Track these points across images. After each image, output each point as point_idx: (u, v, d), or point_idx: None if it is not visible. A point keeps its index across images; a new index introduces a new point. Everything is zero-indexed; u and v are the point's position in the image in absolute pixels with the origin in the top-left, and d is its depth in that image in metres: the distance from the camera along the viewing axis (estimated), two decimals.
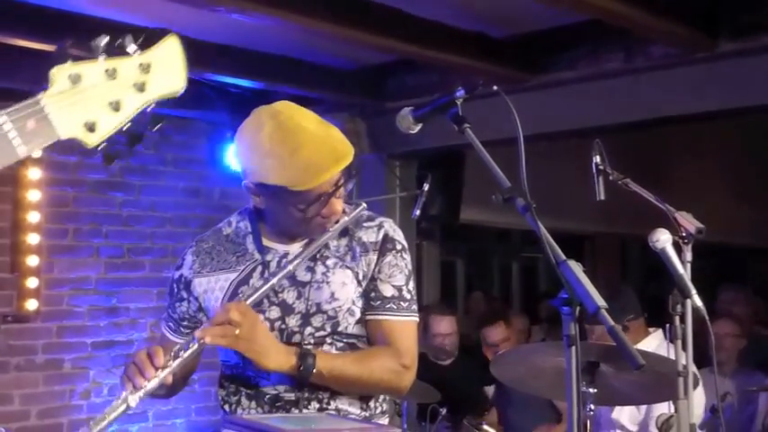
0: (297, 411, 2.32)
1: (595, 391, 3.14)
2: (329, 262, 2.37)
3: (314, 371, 2.24)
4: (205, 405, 5.88)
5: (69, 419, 5.40)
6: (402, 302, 2.38)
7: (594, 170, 3.12)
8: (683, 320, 2.63)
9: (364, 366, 2.32)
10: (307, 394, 2.33)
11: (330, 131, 2.28)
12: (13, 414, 5.19)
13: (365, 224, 2.42)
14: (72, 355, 5.50)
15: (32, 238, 5.23)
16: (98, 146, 1.36)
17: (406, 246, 2.43)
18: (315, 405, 2.33)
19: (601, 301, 1.85)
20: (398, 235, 2.43)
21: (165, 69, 1.39)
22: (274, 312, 2.35)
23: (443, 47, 4.82)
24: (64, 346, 5.47)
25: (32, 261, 5.24)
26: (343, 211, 2.36)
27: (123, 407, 2.09)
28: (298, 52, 5.27)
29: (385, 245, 2.38)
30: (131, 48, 1.38)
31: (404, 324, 2.39)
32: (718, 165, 8.71)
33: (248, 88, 5.55)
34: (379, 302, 2.37)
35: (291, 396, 2.33)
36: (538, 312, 8.99)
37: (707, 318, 2.61)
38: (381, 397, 2.46)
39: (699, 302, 2.63)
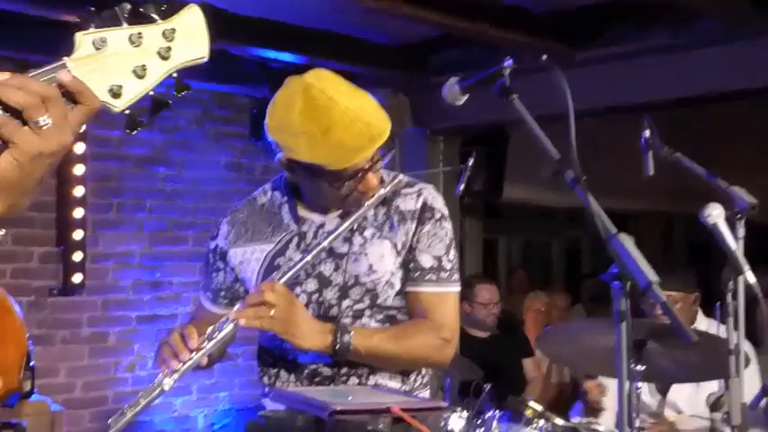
0: (335, 386, 2.30)
1: (643, 368, 3.10)
2: (367, 233, 2.32)
3: (351, 349, 2.21)
4: (248, 379, 5.91)
5: (114, 392, 5.46)
6: (442, 273, 2.33)
7: (644, 145, 3.05)
8: (734, 297, 2.58)
9: (402, 342, 2.28)
10: (345, 369, 2.30)
11: (364, 104, 2.20)
12: (60, 386, 5.25)
13: (404, 191, 2.35)
14: (117, 329, 5.54)
15: (78, 213, 5.27)
16: (123, 111, 1.35)
17: (446, 213, 2.37)
18: (354, 380, 2.31)
19: (653, 276, 1.81)
20: (438, 202, 2.37)
21: (188, 37, 1.37)
22: (311, 285, 2.32)
23: (487, 22, 4.76)
24: (109, 319, 5.52)
25: (78, 235, 5.28)
26: (381, 180, 2.30)
27: (158, 390, 2.07)
28: (340, 26, 5.24)
29: (424, 213, 2.33)
30: (154, 15, 1.37)
31: (444, 295, 2.34)
32: None
33: (290, 63, 5.53)
34: (418, 273, 2.32)
35: (330, 371, 2.31)
36: (579, 292, 8.94)
37: (760, 295, 2.55)
38: (423, 371, 2.43)
39: (752, 279, 2.57)
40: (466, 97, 2.31)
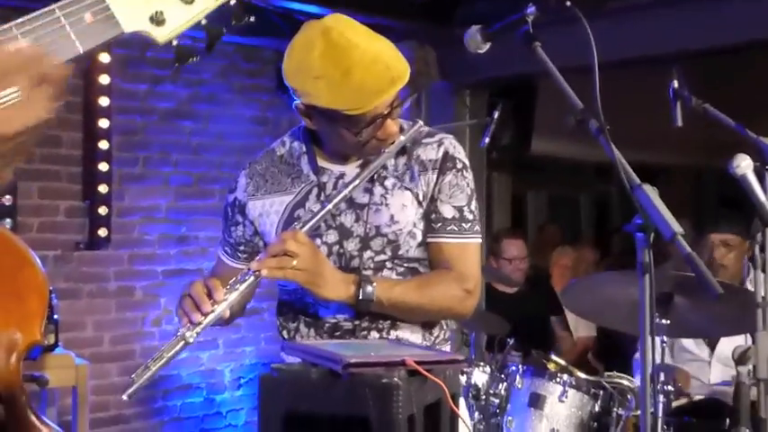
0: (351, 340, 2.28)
1: (668, 322, 3.07)
2: (387, 183, 2.29)
3: (373, 300, 2.18)
4: (274, 334, 5.89)
5: (141, 346, 5.49)
6: (464, 224, 2.30)
7: (672, 95, 2.99)
8: (762, 250, 2.53)
9: (425, 293, 2.25)
10: (366, 323, 2.27)
11: (384, 47, 2.16)
12: (87, 340, 5.28)
13: (424, 141, 2.32)
14: (143, 283, 5.56)
15: (103, 167, 5.26)
16: (169, 41, 1.23)
17: (467, 164, 2.34)
18: (375, 334, 2.28)
19: (677, 227, 1.78)
20: (459, 152, 2.33)
21: None
22: (332, 236, 2.29)
23: None
24: (135, 273, 5.53)
25: (103, 189, 5.27)
26: (401, 129, 2.26)
27: (181, 344, 2.05)
28: None
29: (445, 163, 2.29)
30: None
31: (466, 246, 2.31)
32: None
33: (316, 15, 5.46)
34: (439, 224, 2.29)
35: (350, 325, 2.29)
36: (609, 246, 8.88)
37: None
38: (444, 325, 2.41)
39: None
40: (488, 45, 2.29)
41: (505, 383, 3.80)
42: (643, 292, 1.86)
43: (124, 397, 1.98)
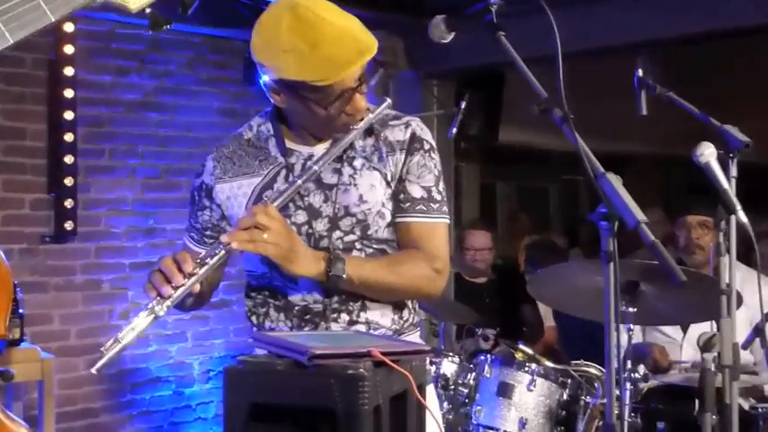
0: (325, 325, 2.27)
1: (635, 310, 3.09)
2: (356, 163, 2.30)
3: (344, 276, 2.18)
4: (243, 326, 5.86)
5: (109, 339, 5.43)
6: (432, 204, 2.31)
7: (637, 84, 3.01)
8: (727, 237, 2.56)
9: (395, 272, 2.26)
10: (336, 305, 2.27)
11: (352, 23, 2.17)
12: (54, 334, 5.23)
13: (391, 123, 2.34)
14: (110, 276, 5.51)
15: (68, 159, 5.20)
16: (142, 9, 1.20)
17: (434, 145, 2.36)
18: (345, 317, 2.28)
19: (641, 215, 1.79)
20: (426, 134, 2.35)
21: None
22: (301, 216, 2.28)
23: None
24: (102, 266, 5.48)
25: (69, 182, 5.22)
26: (368, 110, 2.27)
27: (151, 317, 2.03)
28: None
29: (413, 144, 2.31)
30: None
31: (434, 226, 2.32)
32: None
33: None
34: (408, 204, 2.30)
35: (320, 307, 2.28)
36: (578, 236, 8.94)
37: (752, 234, 2.53)
38: (413, 309, 2.41)
39: (744, 218, 2.54)
40: (452, 35, 2.30)
41: (474, 373, 3.81)
42: (608, 281, 1.87)
43: (92, 370, 1.97)
